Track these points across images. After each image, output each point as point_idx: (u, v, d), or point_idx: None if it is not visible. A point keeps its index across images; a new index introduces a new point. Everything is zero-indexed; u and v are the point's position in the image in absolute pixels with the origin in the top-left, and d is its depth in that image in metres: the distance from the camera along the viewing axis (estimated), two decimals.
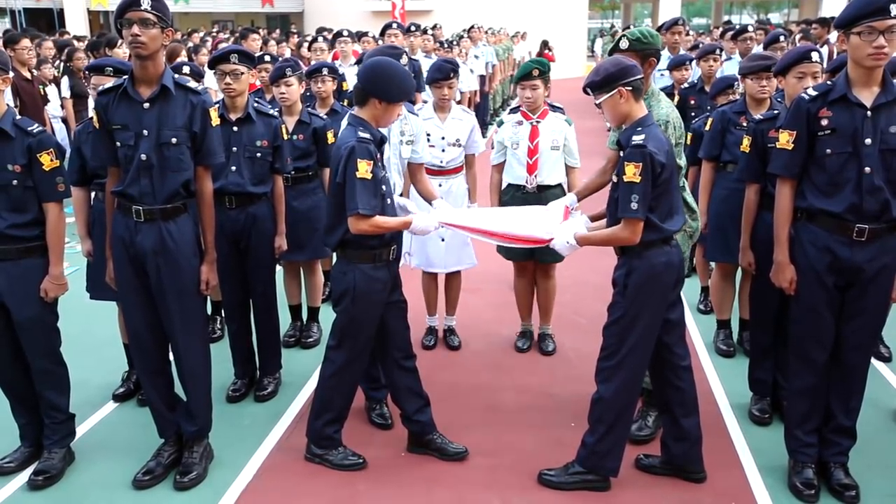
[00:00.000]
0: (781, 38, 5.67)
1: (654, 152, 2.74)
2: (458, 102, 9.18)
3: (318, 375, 3.25)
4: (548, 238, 3.06)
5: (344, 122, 3.64)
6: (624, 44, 3.16)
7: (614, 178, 2.87)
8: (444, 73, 4.12)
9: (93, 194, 3.65)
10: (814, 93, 2.84)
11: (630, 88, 2.81)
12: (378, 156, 2.96)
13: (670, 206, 2.86)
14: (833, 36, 6.82)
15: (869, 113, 2.73)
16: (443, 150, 4.22)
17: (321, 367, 3.23)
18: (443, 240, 4.22)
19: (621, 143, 2.88)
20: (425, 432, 3.30)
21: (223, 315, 4.41)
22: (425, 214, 3.14)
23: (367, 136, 2.93)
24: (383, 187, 2.99)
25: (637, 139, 2.76)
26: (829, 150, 2.80)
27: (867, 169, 2.74)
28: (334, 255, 5.16)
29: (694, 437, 3.06)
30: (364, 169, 2.86)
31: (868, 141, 2.73)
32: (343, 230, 2.98)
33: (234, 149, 3.69)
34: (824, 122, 2.79)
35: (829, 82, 2.88)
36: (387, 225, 2.98)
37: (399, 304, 3.21)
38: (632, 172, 2.73)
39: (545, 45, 18.08)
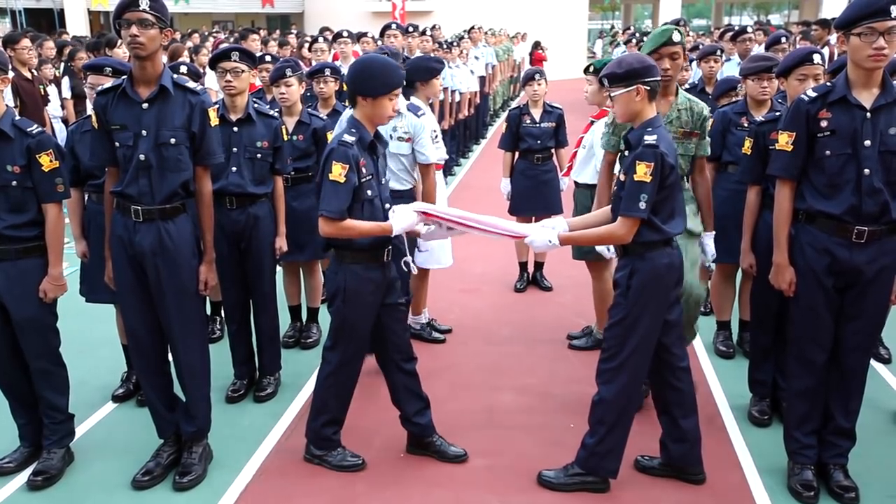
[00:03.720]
0: (783, 39, 5.67)
1: (665, 153, 2.75)
2: (458, 103, 9.30)
3: (316, 376, 3.25)
4: (523, 234, 3.04)
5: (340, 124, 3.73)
6: (676, 37, 3.27)
7: (621, 177, 2.86)
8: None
9: (86, 196, 3.64)
10: (813, 94, 2.84)
11: (648, 88, 2.81)
12: (361, 161, 2.93)
13: (672, 208, 2.86)
14: (833, 37, 6.82)
15: (868, 114, 2.73)
16: None
17: (319, 368, 3.23)
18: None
19: (630, 141, 2.88)
20: (425, 434, 3.30)
21: (223, 315, 4.40)
22: (402, 212, 3.02)
23: (351, 139, 2.91)
24: (368, 192, 2.96)
25: (649, 139, 2.76)
26: (828, 152, 2.79)
27: (866, 170, 2.73)
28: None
29: (693, 438, 3.06)
30: (337, 172, 2.85)
31: (867, 142, 2.73)
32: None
33: (235, 149, 3.69)
34: (824, 124, 2.79)
35: (828, 83, 2.88)
36: (359, 229, 2.93)
37: (397, 306, 3.20)
38: (643, 171, 2.73)
39: (537, 45, 18.12)
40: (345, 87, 6.02)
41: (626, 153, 2.93)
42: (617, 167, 3.79)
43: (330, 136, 4.25)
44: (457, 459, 3.27)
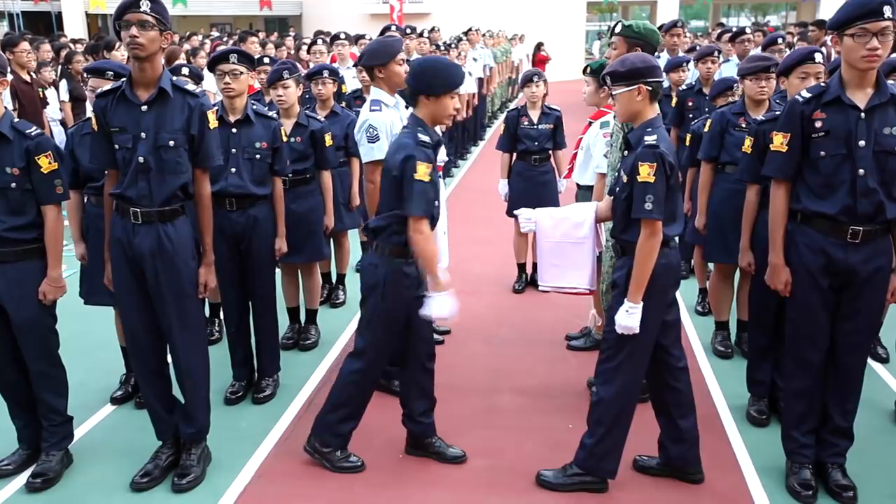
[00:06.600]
0: (779, 40, 5.68)
1: (665, 153, 2.76)
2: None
3: (340, 370, 3.21)
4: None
5: (383, 112, 3.58)
6: (618, 28, 3.43)
7: (624, 178, 2.86)
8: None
9: (85, 198, 3.64)
10: (808, 95, 2.85)
11: (650, 88, 2.82)
12: (434, 159, 2.97)
13: (673, 210, 2.87)
14: (830, 38, 6.83)
15: (863, 115, 2.73)
16: None
17: (345, 362, 3.20)
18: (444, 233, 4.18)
19: (629, 142, 2.89)
20: (426, 435, 3.30)
21: (221, 317, 4.41)
22: (452, 299, 2.94)
23: (426, 139, 2.94)
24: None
25: (649, 139, 2.77)
26: (823, 152, 2.80)
27: (861, 171, 2.74)
28: (332, 257, 5.21)
29: (692, 439, 3.07)
30: (423, 171, 2.86)
31: (862, 143, 2.74)
32: (386, 217, 2.98)
33: (234, 151, 3.69)
34: (818, 124, 2.80)
35: (822, 84, 2.89)
36: (432, 252, 2.91)
37: (424, 299, 3.19)
38: (646, 172, 2.73)
39: (539, 46, 18.16)
40: (343, 89, 6.09)
41: (627, 153, 2.94)
42: (607, 160, 3.81)
43: (328, 138, 4.28)
44: (456, 460, 3.28)
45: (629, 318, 2.81)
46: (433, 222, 3.04)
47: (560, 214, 3.36)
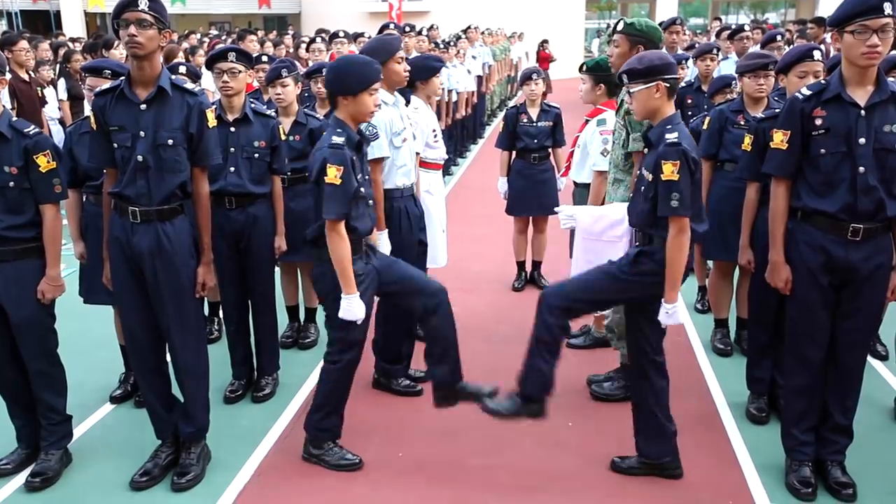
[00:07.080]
0: (778, 37, 5.68)
1: (687, 150, 2.76)
2: (455, 103, 9.31)
3: (319, 375, 3.24)
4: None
5: None
6: (620, 26, 3.42)
7: (649, 177, 2.84)
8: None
9: (84, 197, 3.63)
10: (808, 92, 2.84)
11: (668, 85, 2.82)
12: (353, 160, 2.98)
13: (700, 207, 2.87)
14: (829, 35, 6.83)
15: (863, 112, 2.73)
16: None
17: (322, 363, 3.23)
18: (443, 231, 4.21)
19: (650, 140, 2.89)
20: (456, 377, 3.33)
21: (221, 316, 4.40)
22: (359, 303, 3.02)
23: (340, 140, 2.95)
24: (362, 189, 3.02)
25: (671, 137, 2.77)
26: (823, 150, 2.79)
27: (861, 168, 2.74)
28: None
29: (669, 433, 3.07)
30: (333, 174, 2.89)
31: (862, 140, 2.73)
32: (318, 226, 3.03)
33: (232, 149, 3.68)
34: (818, 122, 2.79)
35: (822, 81, 2.89)
36: (345, 257, 2.95)
37: (393, 265, 3.22)
38: (670, 170, 2.74)
39: (543, 44, 18.15)
40: None
41: (647, 151, 2.94)
42: (606, 157, 3.81)
43: None
44: (490, 395, 3.25)
45: (671, 318, 2.84)
46: (359, 227, 3.04)
47: (598, 212, 3.39)
